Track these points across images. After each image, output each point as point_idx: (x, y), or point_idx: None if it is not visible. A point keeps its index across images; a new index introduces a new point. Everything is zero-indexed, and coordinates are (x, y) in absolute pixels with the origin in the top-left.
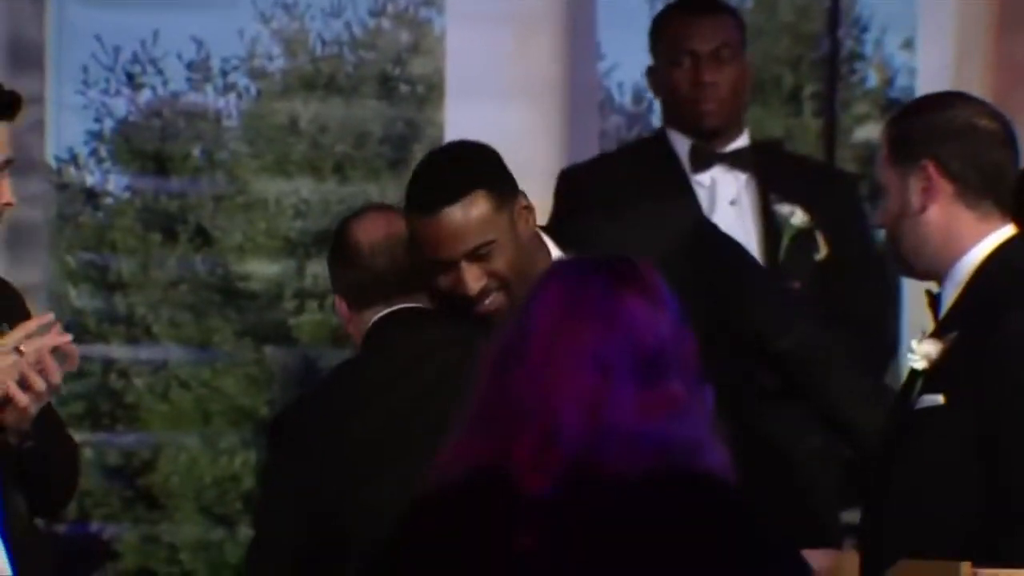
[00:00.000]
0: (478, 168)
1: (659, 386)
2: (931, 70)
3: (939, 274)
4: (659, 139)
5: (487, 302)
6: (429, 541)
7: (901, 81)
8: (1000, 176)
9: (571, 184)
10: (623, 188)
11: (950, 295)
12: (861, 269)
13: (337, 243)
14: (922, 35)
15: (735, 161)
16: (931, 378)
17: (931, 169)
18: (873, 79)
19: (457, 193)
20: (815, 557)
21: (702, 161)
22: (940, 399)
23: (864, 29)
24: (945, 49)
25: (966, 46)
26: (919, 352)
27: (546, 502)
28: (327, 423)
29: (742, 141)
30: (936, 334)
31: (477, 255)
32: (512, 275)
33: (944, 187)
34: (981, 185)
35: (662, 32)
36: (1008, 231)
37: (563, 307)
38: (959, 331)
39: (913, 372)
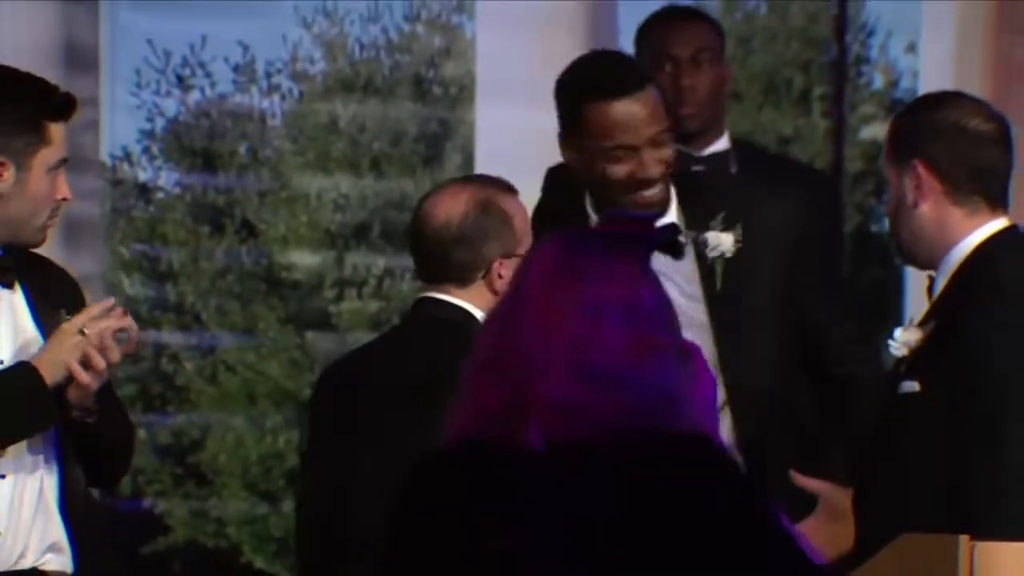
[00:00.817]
0: (641, 68)
1: (647, 333)
2: (933, 72)
3: (935, 264)
4: None
5: (656, 190)
6: (424, 518)
7: (905, 83)
8: (991, 174)
9: (556, 180)
10: None
11: (940, 285)
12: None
13: None
14: (924, 39)
15: (712, 164)
16: (911, 365)
17: (920, 169)
18: (878, 81)
19: (641, 82)
20: (817, 486)
21: (679, 164)
22: (917, 386)
23: (870, 34)
24: (946, 52)
25: (966, 49)
26: (900, 340)
27: (537, 465)
28: (336, 393)
29: (721, 144)
30: (922, 322)
31: (655, 141)
32: (673, 165)
33: (934, 185)
34: (970, 183)
35: (645, 39)
36: (998, 224)
37: (560, 265)
38: (937, 321)
39: (898, 359)
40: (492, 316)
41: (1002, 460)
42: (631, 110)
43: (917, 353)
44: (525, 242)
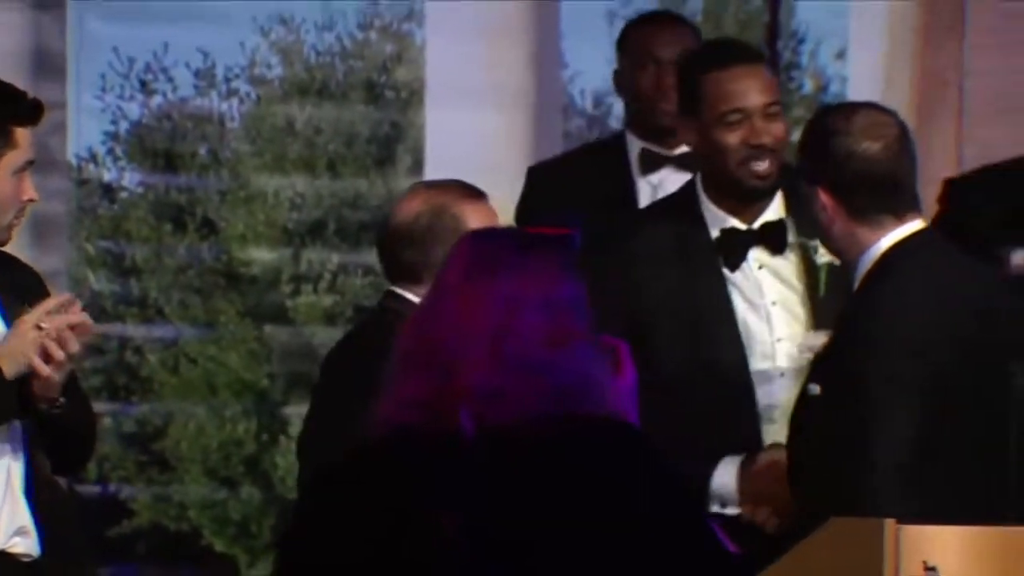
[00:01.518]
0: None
1: (563, 323)
2: (861, 78)
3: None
4: (617, 141)
5: (766, 164)
6: (346, 500)
7: (834, 88)
8: (890, 189)
9: (535, 180)
10: (578, 185)
11: (853, 290)
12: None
13: None
14: (853, 46)
15: (683, 163)
16: (814, 369)
17: (823, 197)
18: (808, 86)
19: (754, 56)
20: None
21: (651, 163)
22: (818, 389)
23: (801, 41)
24: (874, 59)
25: (893, 56)
26: (805, 344)
27: (470, 450)
28: (321, 379)
29: None
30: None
31: (768, 112)
32: (785, 144)
33: (838, 210)
34: (872, 202)
35: (630, 39)
36: (906, 229)
37: (477, 260)
38: (836, 325)
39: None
40: (416, 311)
41: (859, 465)
42: (743, 77)
43: (819, 358)
44: None
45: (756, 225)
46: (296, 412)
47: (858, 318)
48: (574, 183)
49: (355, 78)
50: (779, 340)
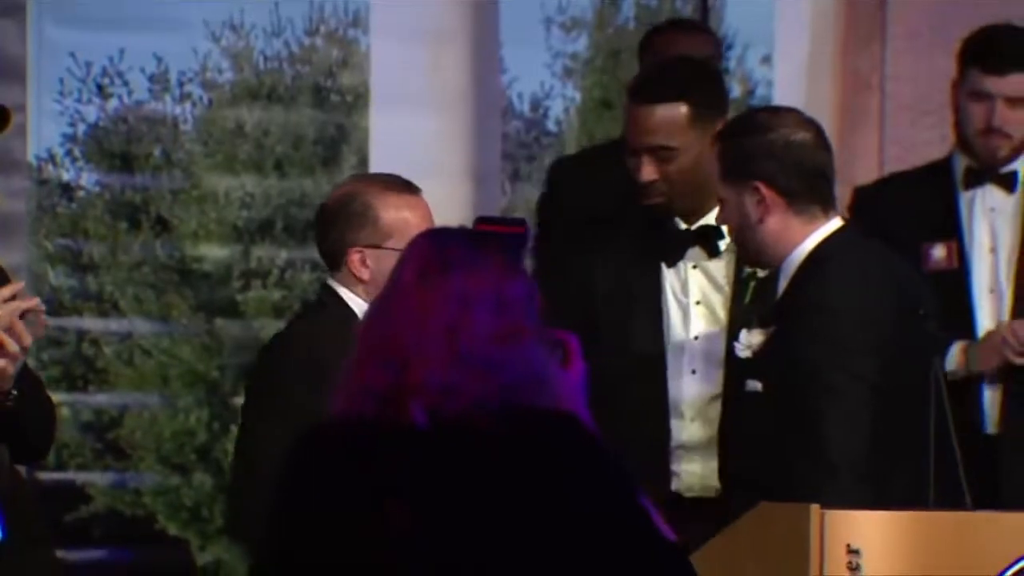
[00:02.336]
0: (693, 83)
1: (513, 319)
2: (786, 82)
3: (777, 266)
4: None
5: (651, 197)
6: (310, 490)
7: (760, 92)
8: (822, 178)
9: (559, 173)
10: (601, 179)
11: (782, 287)
12: None
13: None
14: (778, 52)
15: None
16: (753, 366)
17: (763, 189)
18: (736, 90)
19: (663, 96)
20: None
21: None
22: (759, 386)
23: (729, 47)
24: (798, 64)
25: (816, 61)
26: (744, 342)
27: (423, 441)
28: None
29: None
30: (765, 324)
31: (657, 155)
32: (680, 183)
33: (777, 201)
34: (807, 192)
35: (653, 43)
36: (832, 226)
37: (431, 259)
38: (777, 323)
39: (741, 359)
40: (373, 306)
41: (819, 458)
42: (640, 115)
43: (758, 355)
44: (400, 236)
45: (695, 226)
46: None
47: (808, 313)
48: (597, 177)
49: (302, 82)
50: (695, 338)
